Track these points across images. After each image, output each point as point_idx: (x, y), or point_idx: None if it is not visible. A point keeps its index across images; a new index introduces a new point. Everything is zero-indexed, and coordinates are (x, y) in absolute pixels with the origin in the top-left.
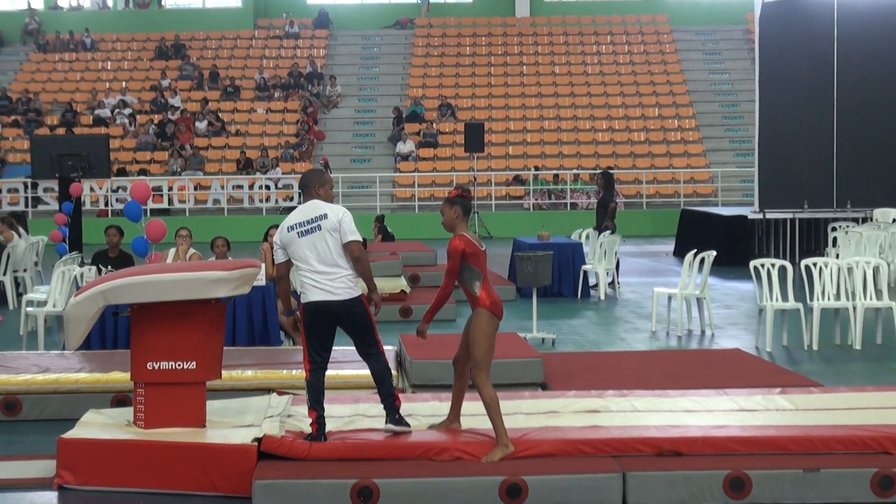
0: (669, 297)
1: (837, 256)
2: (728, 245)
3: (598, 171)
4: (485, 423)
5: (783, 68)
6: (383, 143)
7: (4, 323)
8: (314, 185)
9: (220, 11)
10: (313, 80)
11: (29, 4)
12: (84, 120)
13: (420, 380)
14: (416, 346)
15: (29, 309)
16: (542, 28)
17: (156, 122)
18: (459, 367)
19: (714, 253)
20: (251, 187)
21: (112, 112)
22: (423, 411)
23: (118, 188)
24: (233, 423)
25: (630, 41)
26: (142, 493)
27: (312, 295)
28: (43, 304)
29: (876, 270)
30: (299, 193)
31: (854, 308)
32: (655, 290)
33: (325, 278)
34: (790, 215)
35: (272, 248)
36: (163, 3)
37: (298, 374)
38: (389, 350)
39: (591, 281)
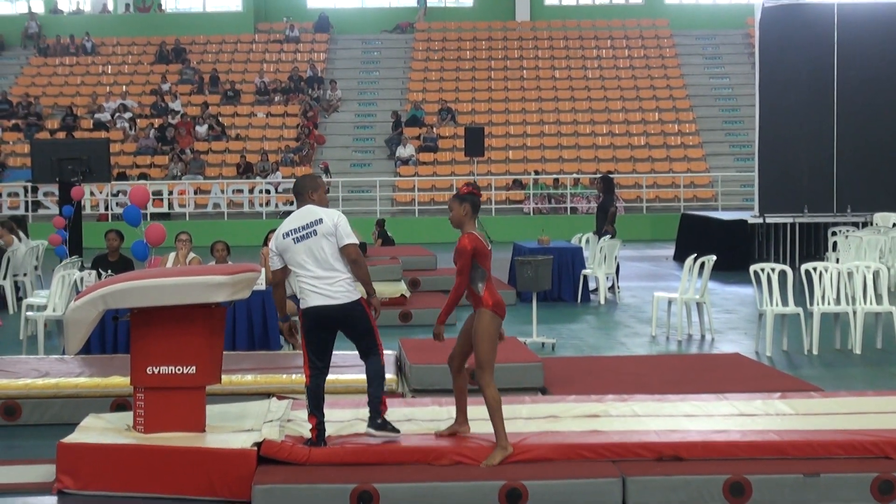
0: (669, 302)
1: (837, 261)
2: (728, 249)
3: (598, 176)
4: (483, 427)
5: (783, 72)
6: (383, 147)
7: (4, 327)
8: (308, 191)
9: (220, 15)
10: (313, 85)
11: (29, 8)
12: (84, 124)
13: (420, 384)
14: (415, 350)
15: (29, 313)
16: (542, 32)
17: (156, 126)
18: (455, 364)
19: (714, 257)
20: (251, 191)
21: (112, 116)
22: (423, 416)
23: (118, 192)
24: (233, 428)
25: (630, 45)
26: (141, 497)
27: (311, 300)
28: (43, 308)
29: (876, 275)
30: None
31: (854, 312)
32: (655, 294)
33: (324, 283)
34: (790, 220)
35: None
36: (163, 6)
37: (298, 378)
38: (389, 354)
39: (591, 285)
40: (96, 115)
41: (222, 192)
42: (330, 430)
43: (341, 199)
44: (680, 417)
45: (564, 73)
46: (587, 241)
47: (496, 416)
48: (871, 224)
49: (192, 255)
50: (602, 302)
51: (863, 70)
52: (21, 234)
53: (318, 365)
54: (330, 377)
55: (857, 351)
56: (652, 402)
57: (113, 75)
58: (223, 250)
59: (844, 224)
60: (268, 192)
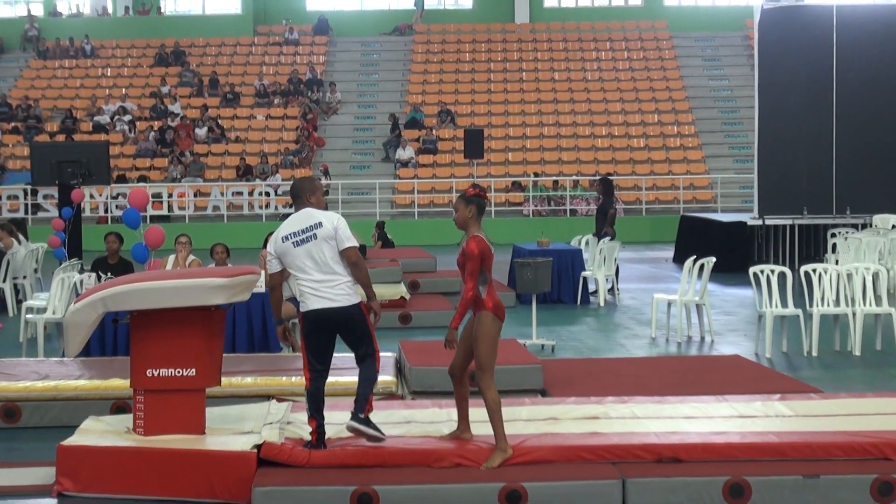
0: (669, 304)
1: (837, 262)
2: (727, 251)
3: (598, 178)
4: (483, 430)
5: (782, 74)
6: (383, 149)
7: (4, 330)
8: (305, 193)
9: (219, 18)
10: (313, 87)
11: (29, 11)
12: (84, 127)
13: (420, 386)
14: (415, 352)
15: (28, 316)
16: (541, 34)
17: (155, 128)
18: (457, 375)
19: (713, 259)
20: (251, 194)
21: (112, 119)
22: (423, 418)
23: (118, 195)
24: (232, 430)
25: (629, 47)
26: (141, 500)
27: (312, 303)
28: (42, 311)
29: (875, 276)
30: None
31: (853, 314)
32: (655, 296)
33: (324, 286)
34: (790, 221)
35: None
36: (162, 9)
37: (298, 380)
38: (389, 356)
39: (591, 287)
40: (96, 118)
41: (222, 194)
42: (330, 432)
43: (341, 202)
44: (679, 419)
45: (564, 75)
46: (587, 242)
47: (496, 419)
48: (871, 226)
49: (191, 257)
50: (602, 304)
51: (862, 71)
52: (21, 236)
53: (317, 368)
54: (330, 379)
55: (857, 352)
56: (651, 404)
57: (112, 78)
58: (223, 253)
59: (844, 226)
60: (267, 194)
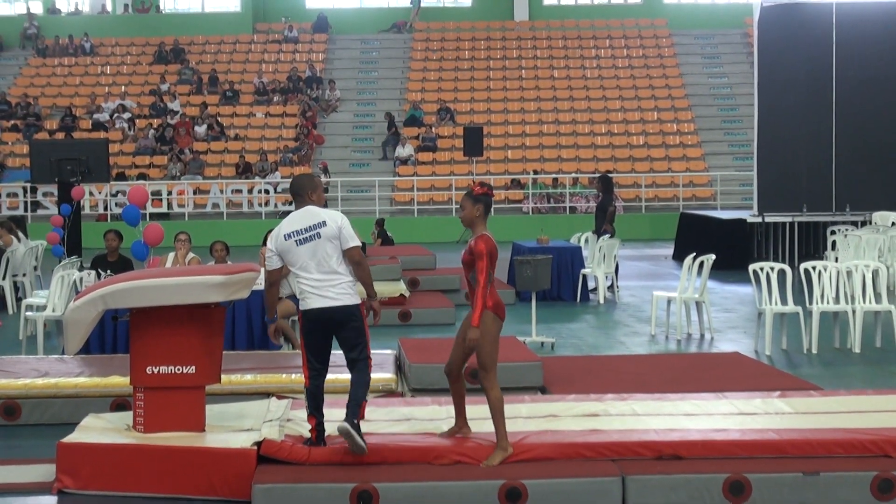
0: (669, 301)
1: (836, 260)
2: (727, 249)
3: (597, 175)
4: (483, 427)
5: (782, 72)
6: (381, 148)
7: (4, 327)
8: (307, 191)
9: (219, 16)
10: (312, 85)
11: (28, 9)
12: (83, 124)
13: (419, 384)
14: (415, 349)
15: (28, 313)
16: (540, 32)
17: (155, 126)
18: (454, 374)
19: (713, 256)
20: (250, 191)
21: (111, 116)
22: (423, 415)
23: (117, 192)
24: (232, 428)
25: (629, 45)
26: (141, 497)
27: (312, 302)
28: (42, 308)
29: (875, 274)
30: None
31: (853, 311)
32: (655, 293)
33: (325, 285)
34: (789, 219)
35: None
36: (161, 7)
37: (298, 378)
38: (388, 354)
39: (591, 285)
40: (95, 116)
41: (221, 192)
42: (329, 429)
43: (340, 199)
44: (679, 416)
45: (563, 73)
46: (586, 240)
47: (498, 417)
48: (870, 223)
49: (191, 255)
50: (601, 301)
51: (861, 69)
52: (20, 234)
53: (316, 366)
54: (329, 377)
55: (857, 350)
56: (651, 401)
57: (112, 76)
58: (222, 250)
59: (843, 223)
60: (267, 192)
